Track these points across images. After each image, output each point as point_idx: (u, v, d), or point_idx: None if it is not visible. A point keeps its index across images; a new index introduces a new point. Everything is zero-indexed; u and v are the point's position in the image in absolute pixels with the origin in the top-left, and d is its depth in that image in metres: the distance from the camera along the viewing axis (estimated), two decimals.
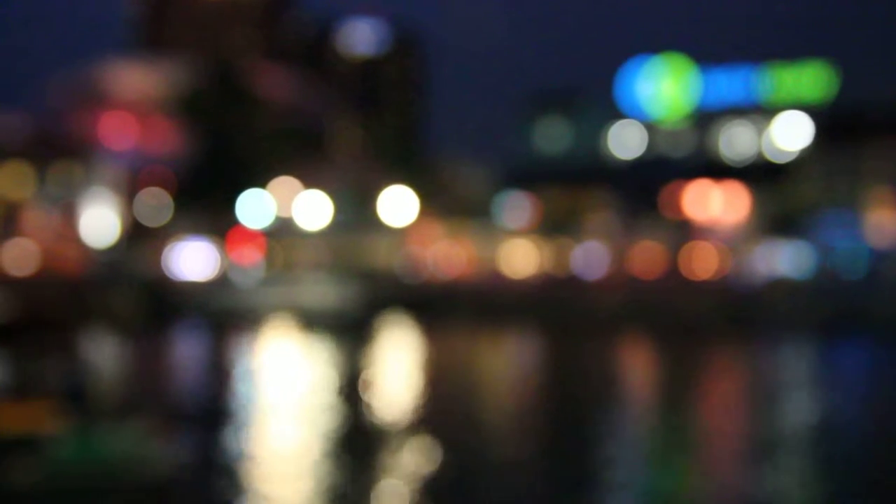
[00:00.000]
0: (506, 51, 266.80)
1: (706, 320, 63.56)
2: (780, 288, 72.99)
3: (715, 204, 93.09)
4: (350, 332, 54.61)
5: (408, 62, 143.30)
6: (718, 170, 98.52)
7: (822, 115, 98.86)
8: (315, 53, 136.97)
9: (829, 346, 55.00)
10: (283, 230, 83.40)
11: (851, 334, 59.66)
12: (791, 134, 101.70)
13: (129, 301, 63.97)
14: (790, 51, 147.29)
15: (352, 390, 33.37)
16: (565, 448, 24.26)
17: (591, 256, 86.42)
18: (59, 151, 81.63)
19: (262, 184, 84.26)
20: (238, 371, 39.36)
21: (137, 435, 19.07)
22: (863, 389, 38.61)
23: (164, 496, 18.88)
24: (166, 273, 75.65)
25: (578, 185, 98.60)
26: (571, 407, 31.58)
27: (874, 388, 39.16)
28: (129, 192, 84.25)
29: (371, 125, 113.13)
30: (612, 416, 30.11)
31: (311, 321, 60.75)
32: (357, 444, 23.60)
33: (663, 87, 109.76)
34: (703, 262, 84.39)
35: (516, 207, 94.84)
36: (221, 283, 73.46)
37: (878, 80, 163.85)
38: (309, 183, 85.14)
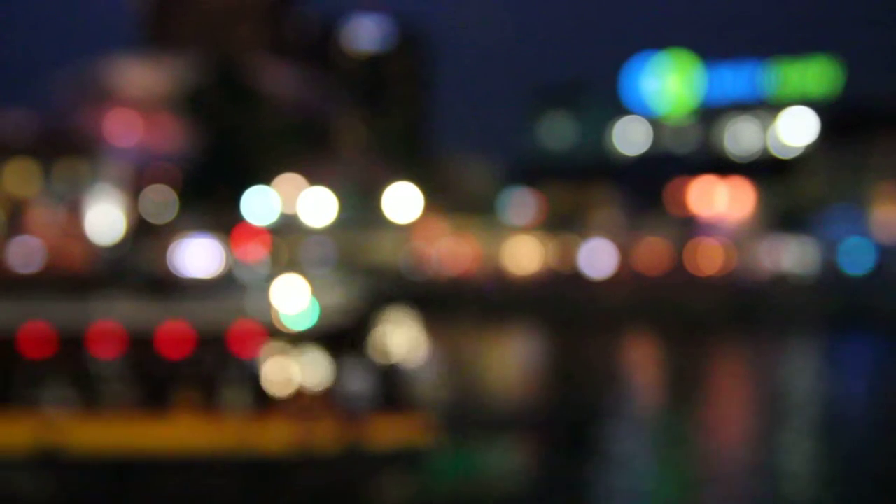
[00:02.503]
0: (511, 47, 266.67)
1: (711, 316, 63.50)
2: (785, 284, 72.93)
3: (720, 200, 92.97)
4: None
5: (413, 58, 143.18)
6: (723, 166, 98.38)
7: (828, 111, 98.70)
8: (320, 50, 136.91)
9: (835, 342, 54.93)
10: (287, 227, 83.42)
11: (857, 330, 59.58)
12: (796, 129, 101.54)
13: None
14: (795, 46, 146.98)
15: None
16: None
17: (595, 253, 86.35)
18: (65, 149, 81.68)
19: (267, 180, 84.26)
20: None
21: (506, 449, 18.66)
22: (866, 384, 38.54)
23: None
24: (172, 270, 75.67)
25: (583, 181, 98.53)
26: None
27: (879, 383, 39.08)
28: (134, 189, 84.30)
29: (376, 122, 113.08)
30: (619, 415, 30.06)
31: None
32: None
33: (668, 83, 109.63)
34: (708, 259, 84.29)
35: (521, 204, 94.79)
36: (227, 279, 73.43)
37: (883, 76, 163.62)
38: (314, 180, 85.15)
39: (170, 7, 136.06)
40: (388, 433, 18.85)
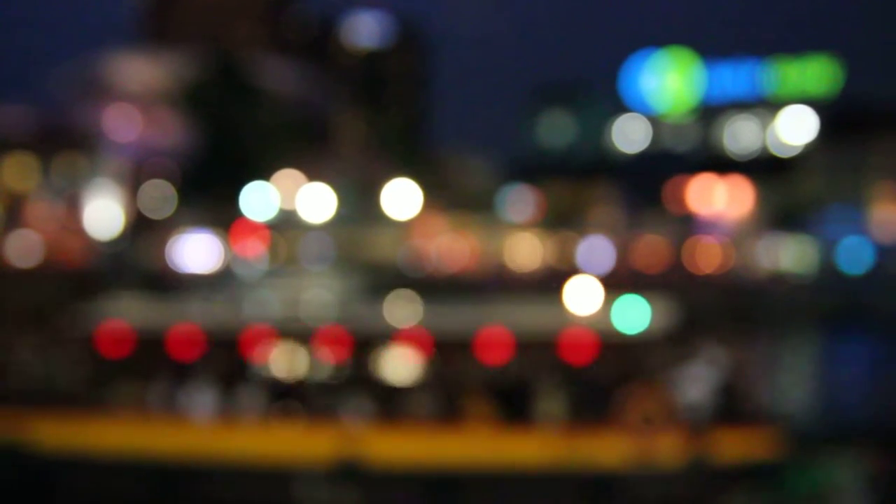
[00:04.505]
0: (510, 44, 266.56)
1: (709, 315, 63.53)
2: (783, 283, 72.96)
3: (719, 198, 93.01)
4: None
5: (412, 55, 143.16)
6: (723, 164, 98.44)
7: (827, 110, 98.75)
8: (319, 46, 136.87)
9: (832, 341, 54.94)
10: (286, 223, 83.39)
11: (854, 329, 59.60)
12: (795, 128, 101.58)
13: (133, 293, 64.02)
14: (795, 45, 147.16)
15: None
16: None
17: (594, 250, 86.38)
18: (64, 143, 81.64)
19: (265, 176, 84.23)
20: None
21: (853, 463, 17.91)
22: (863, 383, 38.56)
23: None
24: (170, 265, 75.69)
25: (582, 178, 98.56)
26: None
27: (876, 383, 39.10)
28: (133, 184, 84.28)
29: (375, 118, 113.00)
30: None
31: None
32: None
33: (668, 81, 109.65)
34: (706, 257, 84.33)
35: (520, 201, 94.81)
36: (225, 275, 73.49)
37: (883, 75, 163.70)
38: (313, 176, 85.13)
39: (169, 2, 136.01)
40: (734, 447, 17.87)
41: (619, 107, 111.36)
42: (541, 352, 18.93)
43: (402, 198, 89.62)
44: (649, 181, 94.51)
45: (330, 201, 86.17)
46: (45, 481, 18.53)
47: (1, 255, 70.52)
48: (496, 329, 19.10)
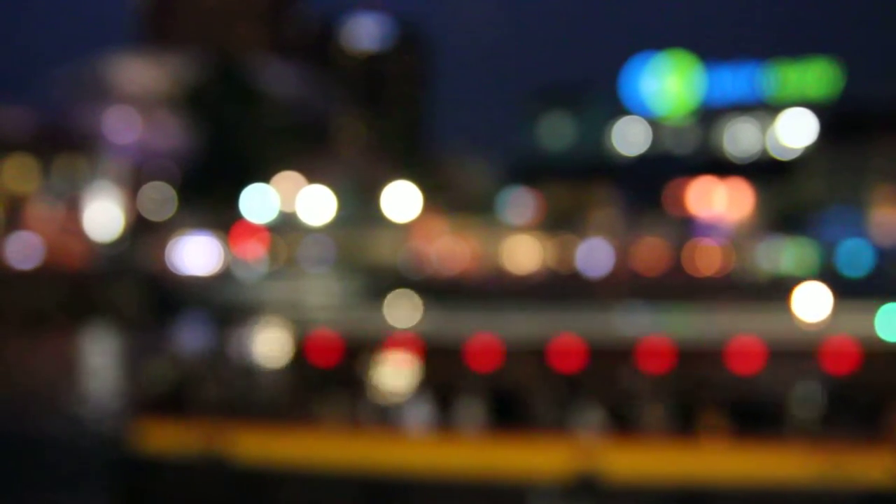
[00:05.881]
0: (511, 46, 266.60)
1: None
2: (782, 285, 72.87)
3: (719, 201, 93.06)
4: None
5: (412, 57, 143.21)
6: (723, 167, 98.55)
7: (827, 113, 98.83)
8: (319, 48, 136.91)
9: None
10: (286, 225, 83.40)
11: None
12: (795, 131, 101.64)
13: (133, 295, 64.02)
14: (795, 48, 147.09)
15: None
16: None
17: (594, 253, 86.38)
18: (64, 145, 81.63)
19: (265, 178, 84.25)
20: None
21: None
22: None
23: None
24: (170, 267, 75.68)
25: (582, 181, 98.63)
26: None
27: None
28: (133, 186, 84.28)
29: (375, 120, 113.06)
30: None
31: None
32: None
33: (668, 84, 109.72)
34: (706, 260, 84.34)
35: (520, 203, 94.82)
36: (225, 277, 73.50)
37: (882, 78, 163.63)
38: (313, 178, 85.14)
39: (170, 4, 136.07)
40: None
41: (619, 109, 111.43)
42: (795, 361, 17.70)
43: (402, 200, 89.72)
44: (649, 184, 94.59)
45: (330, 203, 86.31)
46: (249, 494, 17.91)
47: (1, 256, 70.49)
48: (746, 338, 17.93)
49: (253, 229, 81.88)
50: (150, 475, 18.27)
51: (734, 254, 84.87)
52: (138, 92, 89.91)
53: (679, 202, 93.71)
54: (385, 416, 17.99)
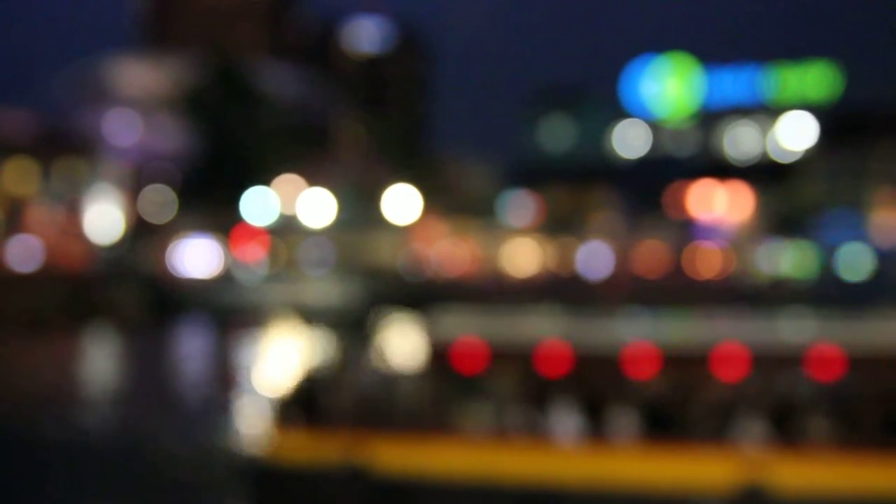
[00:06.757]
0: (511, 49, 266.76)
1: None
2: (783, 288, 72.91)
3: (719, 203, 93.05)
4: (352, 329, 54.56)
5: (412, 60, 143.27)
6: (723, 169, 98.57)
7: (827, 115, 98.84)
8: (320, 51, 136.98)
9: None
10: (286, 228, 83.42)
11: None
12: (796, 134, 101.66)
13: (133, 298, 64.03)
14: (795, 51, 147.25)
15: None
16: None
17: (594, 255, 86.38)
18: (64, 148, 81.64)
19: (266, 181, 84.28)
20: None
21: None
22: None
23: None
24: (170, 270, 75.70)
25: (582, 183, 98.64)
26: None
27: None
28: (133, 188, 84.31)
29: (375, 123, 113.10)
30: None
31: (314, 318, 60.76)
32: None
33: (668, 87, 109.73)
34: (706, 262, 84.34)
35: (520, 206, 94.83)
36: (225, 280, 73.52)
37: (882, 81, 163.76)
38: (313, 180, 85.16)
39: (170, 7, 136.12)
40: None
41: (619, 112, 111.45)
42: None
43: (402, 202, 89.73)
44: (649, 186, 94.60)
45: (330, 206, 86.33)
46: None
47: (1, 259, 70.48)
48: None
49: (253, 232, 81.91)
50: (288, 486, 17.78)
51: (735, 256, 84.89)
52: (139, 94, 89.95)
53: (679, 205, 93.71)
54: (533, 426, 17.30)
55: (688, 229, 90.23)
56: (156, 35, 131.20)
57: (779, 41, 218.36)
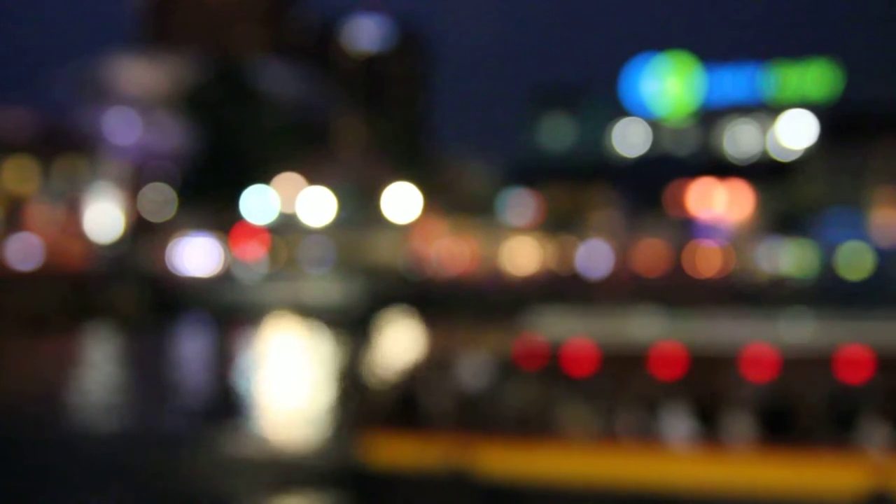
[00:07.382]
0: (511, 47, 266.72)
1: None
2: (783, 287, 72.96)
3: (719, 202, 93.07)
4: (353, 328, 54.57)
5: (412, 59, 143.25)
6: (723, 168, 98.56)
7: (827, 114, 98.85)
8: (320, 49, 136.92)
9: None
10: (286, 226, 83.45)
11: None
12: (795, 132, 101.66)
13: (133, 296, 64.04)
14: (795, 49, 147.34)
15: None
16: None
17: (594, 254, 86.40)
18: (64, 146, 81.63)
19: (266, 180, 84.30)
20: None
21: None
22: None
23: None
24: (170, 268, 75.73)
25: (582, 182, 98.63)
26: None
27: None
28: (133, 187, 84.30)
29: (375, 122, 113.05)
30: None
31: (314, 317, 60.77)
32: None
33: (668, 85, 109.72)
34: (706, 261, 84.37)
35: (520, 204, 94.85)
36: (225, 278, 73.54)
37: (882, 79, 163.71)
38: (313, 179, 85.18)
39: (170, 5, 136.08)
40: None
41: (619, 110, 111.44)
42: None
43: (402, 201, 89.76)
44: (649, 185, 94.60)
45: (330, 205, 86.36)
46: None
47: (1, 258, 70.49)
48: None
49: (253, 230, 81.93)
50: (386, 490, 17.41)
51: (735, 255, 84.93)
52: (139, 93, 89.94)
53: (679, 203, 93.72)
54: (644, 430, 16.87)
55: (688, 228, 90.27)
56: (156, 33, 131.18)
57: (779, 40, 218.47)
